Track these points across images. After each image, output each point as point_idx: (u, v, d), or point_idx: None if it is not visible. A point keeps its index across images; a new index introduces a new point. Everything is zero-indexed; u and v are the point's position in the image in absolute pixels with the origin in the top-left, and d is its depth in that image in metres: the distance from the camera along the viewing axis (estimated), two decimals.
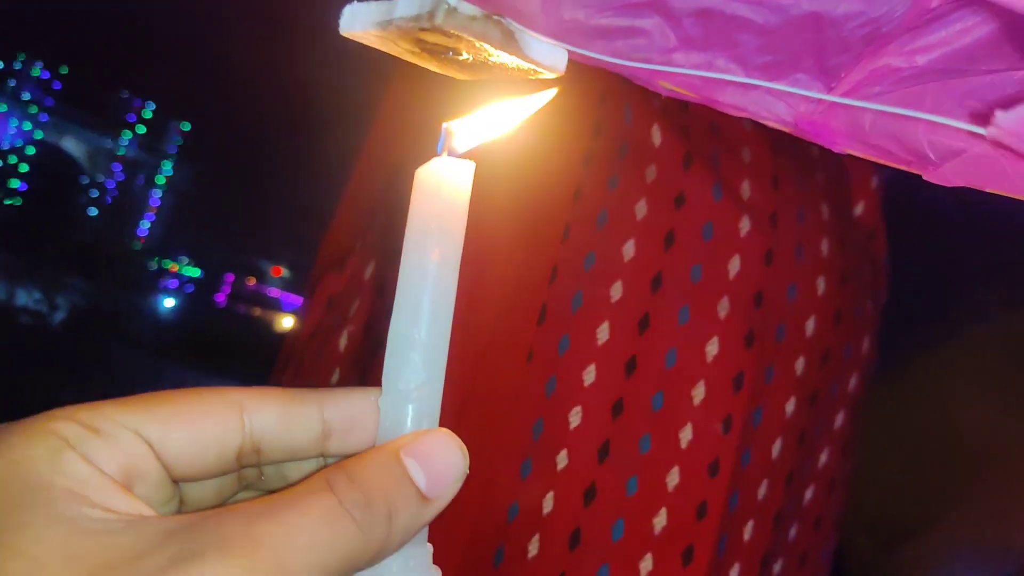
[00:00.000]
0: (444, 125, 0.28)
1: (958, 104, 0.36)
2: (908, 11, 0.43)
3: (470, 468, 0.27)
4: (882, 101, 0.40)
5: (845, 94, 0.42)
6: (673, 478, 0.53)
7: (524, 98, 0.29)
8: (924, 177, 0.38)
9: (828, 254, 0.61)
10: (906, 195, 0.72)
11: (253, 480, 0.29)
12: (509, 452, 0.55)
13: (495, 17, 0.26)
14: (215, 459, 0.25)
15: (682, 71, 0.47)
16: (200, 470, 0.25)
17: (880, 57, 0.41)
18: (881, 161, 0.43)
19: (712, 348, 0.55)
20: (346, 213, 0.79)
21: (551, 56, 0.28)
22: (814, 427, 0.60)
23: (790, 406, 0.58)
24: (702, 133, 0.60)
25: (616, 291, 0.56)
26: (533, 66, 0.28)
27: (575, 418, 0.54)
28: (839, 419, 0.63)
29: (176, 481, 0.25)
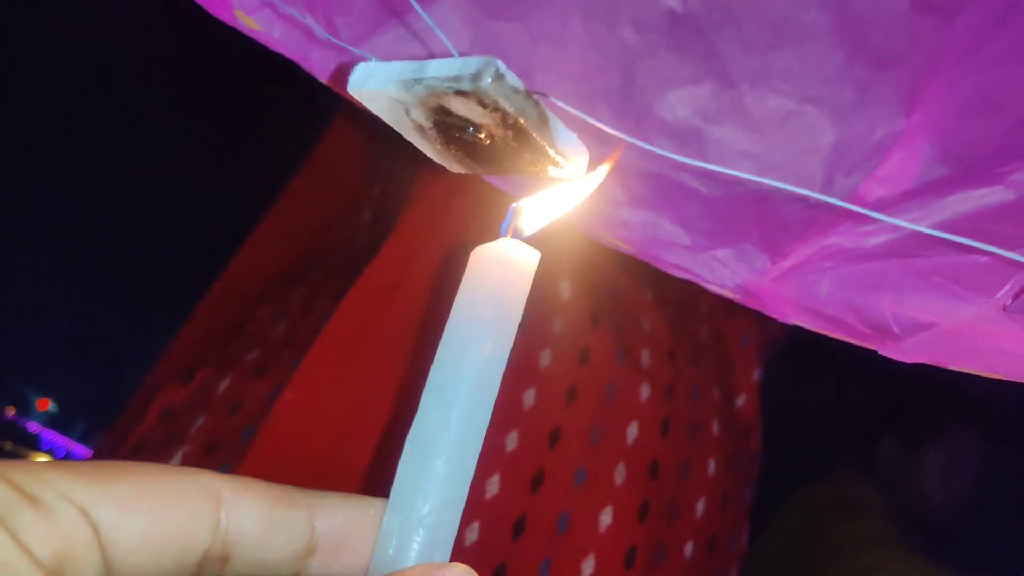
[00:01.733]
0: (513, 205, 0.25)
1: (923, 279, 0.37)
2: (842, 205, 0.45)
3: None
4: (835, 275, 0.40)
5: (795, 266, 0.43)
6: None
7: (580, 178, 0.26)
8: (880, 352, 0.38)
9: (718, 436, 0.60)
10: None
11: None
12: None
13: (535, 95, 0.24)
14: (172, 562, 0.19)
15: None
16: (146, 575, 0.19)
17: (828, 236, 0.43)
18: (829, 333, 0.43)
19: (606, 517, 0.51)
20: (199, 324, 0.72)
21: (576, 153, 0.25)
22: None
23: None
24: (607, 296, 0.60)
25: (511, 441, 0.51)
26: (556, 158, 0.25)
27: None
28: None
29: None
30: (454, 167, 0.28)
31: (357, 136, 0.76)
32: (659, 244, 0.47)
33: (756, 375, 0.69)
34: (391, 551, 0.21)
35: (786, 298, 0.42)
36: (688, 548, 0.55)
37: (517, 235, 0.24)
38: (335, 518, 0.22)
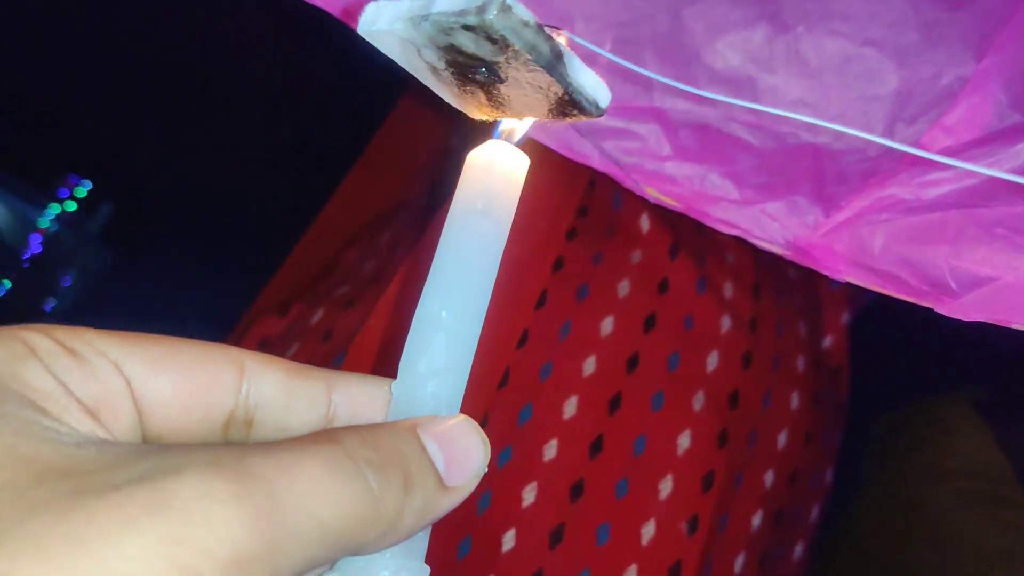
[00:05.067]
0: (500, 120, 0.27)
1: (985, 231, 0.35)
2: (907, 153, 0.45)
3: None
4: (890, 228, 0.39)
5: (848, 219, 0.41)
6: None
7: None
8: (937, 310, 0.36)
9: (803, 371, 0.61)
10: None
11: None
12: (448, 530, 0.50)
13: (547, 28, 0.23)
14: (199, 421, 0.21)
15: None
16: (177, 429, 0.21)
17: (886, 187, 0.41)
18: (883, 290, 0.40)
19: (684, 441, 0.53)
20: (294, 265, 0.78)
21: (596, 89, 0.24)
22: (776, 549, 0.58)
23: (756, 519, 0.56)
24: (689, 230, 0.60)
25: (589, 365, 0.53)
26: (574, 97, 0.24)
27: (529, 495, 0.50)
28: (798, 550, 0.61)
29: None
30: (474, 113, 0.27)
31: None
32: (706, 198, 0.46)
33: (845, 318, 0.67)
34: (401, 411, 0.23)
35: (838, 253, 0.41)
36: (768, 478, 0.57)
37: (508, 140, 0.26)
38: (350, 392, 0.24)
